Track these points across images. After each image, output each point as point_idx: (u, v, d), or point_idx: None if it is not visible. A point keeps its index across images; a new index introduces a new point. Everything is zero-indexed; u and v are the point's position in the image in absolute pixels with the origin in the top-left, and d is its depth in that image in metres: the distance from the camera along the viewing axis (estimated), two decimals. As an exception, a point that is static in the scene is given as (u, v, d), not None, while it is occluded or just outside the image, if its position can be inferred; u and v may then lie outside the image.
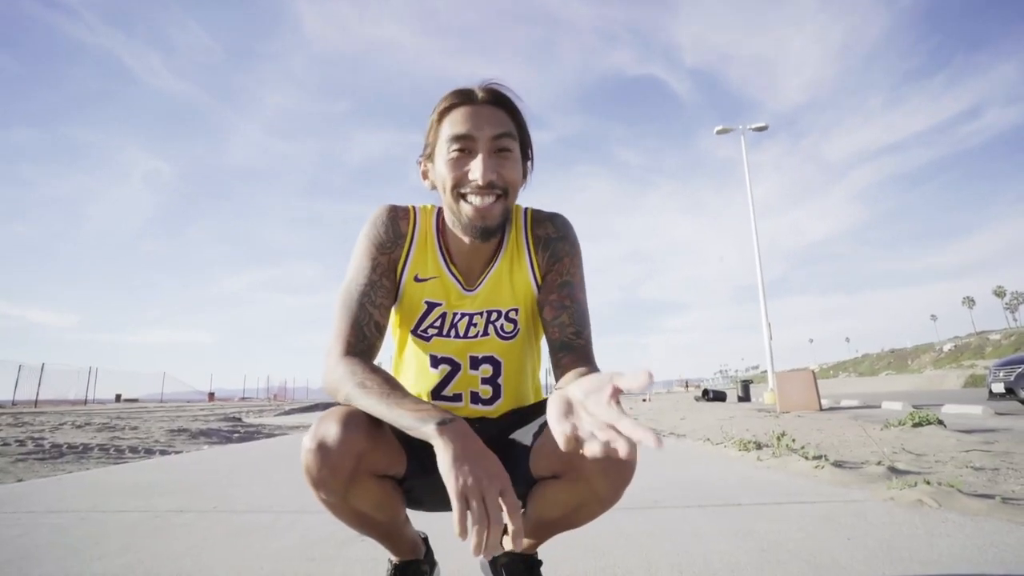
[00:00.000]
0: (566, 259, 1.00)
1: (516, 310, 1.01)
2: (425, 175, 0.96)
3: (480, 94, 0.90)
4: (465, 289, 0.99)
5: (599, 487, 0.83)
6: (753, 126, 18.12)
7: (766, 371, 16.91)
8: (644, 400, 31.90)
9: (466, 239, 0.94)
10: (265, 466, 3.68)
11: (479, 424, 1.01)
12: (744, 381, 22.32)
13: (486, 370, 1.01)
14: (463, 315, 0.99)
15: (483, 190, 0.87)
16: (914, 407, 9.65)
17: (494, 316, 1.00)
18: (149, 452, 4.92)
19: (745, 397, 21.18)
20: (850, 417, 8.29)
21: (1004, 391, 8.15)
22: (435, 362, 1.00)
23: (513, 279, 1.00)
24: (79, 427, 6.75)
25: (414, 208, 1.01)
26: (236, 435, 6.76)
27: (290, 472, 3.21)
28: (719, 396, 21.93)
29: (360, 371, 0.85)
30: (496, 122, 0.89)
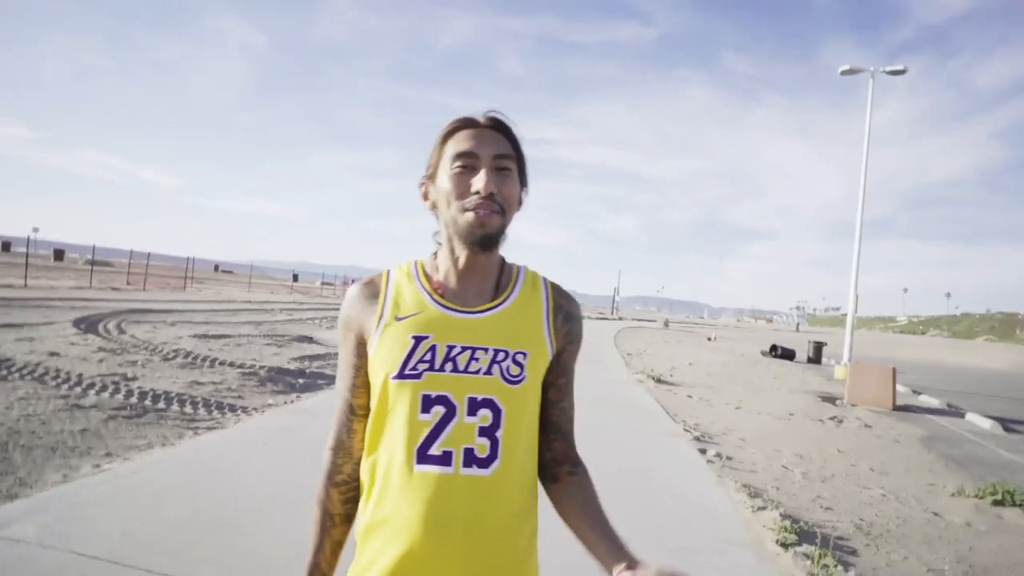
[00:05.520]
0: (577, 343, 1.05)
1: (525, 354, 0.95)
2: (426, 196, 1.01)
3: (483, 120, 0.97)
4: (459, 312, 0.96)
5: None
6: (887, 68, 15.57)
7: (846, 314, 16.16)
8: (709, 339, 31.32)
9: (461, 257, 0.97)
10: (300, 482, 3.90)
11: (469, 499, 0.90)
12: (817, 343, 21.45)
13: (485, 417, 0.91)
14: (464, 348, 0.93)
15: (485, 201, 0.91)
16: (1006, 428, 8.82)
17: (500, 356, 0.93)
18: (220, 408, 5.40)
19: (815, 359, 20.46)
20: (924, 434, 7.71)
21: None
22: (428, 404, 0.91)
23: (527, 323, 0.99)
24: (167, 359, 7.45)
25: (388, 271, 1.04)
26: (301, 379, 7.26)
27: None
28: (787, 354, 21.28)
29: (326, 482, 1.02)
30: (497, 143, 0.95)
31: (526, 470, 0.97)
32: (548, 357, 0.99)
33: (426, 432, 0.90)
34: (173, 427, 4.69)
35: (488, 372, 0.93)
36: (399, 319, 0.96)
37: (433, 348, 0.93)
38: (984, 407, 11.03)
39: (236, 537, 2.72)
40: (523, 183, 1.01)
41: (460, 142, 0.95)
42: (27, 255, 20.37)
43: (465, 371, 0.93)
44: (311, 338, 11.59)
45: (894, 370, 10.18)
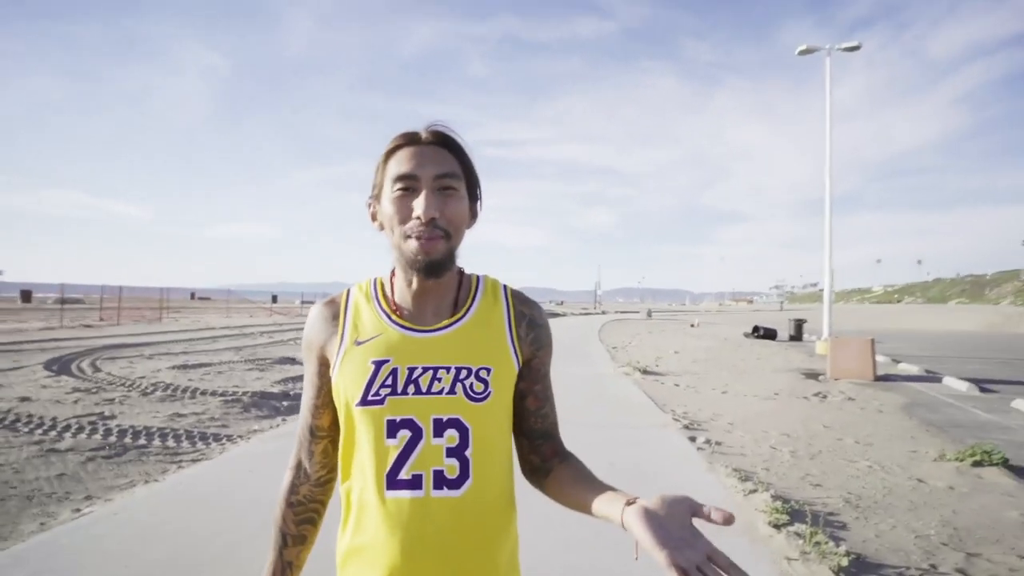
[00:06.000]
0: (546, 348, 1.02)
1: (488, 370, 0.93)
2: (374, 216, 0.98)
3: (424, 135, 0.93)
4: (418, 332, 0.94)
5: None
6: (843, 45, 15.98)
7: (823, 289, 16.65)
8: (692, 326, 31.65)
9: (413, 281, 0.94)
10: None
11: (443, 521, 0.88)
12: (797, 320, 21.98)
13: (451, 437, 0.90)
14: (426, 369, 0.91)
15: (426, 227, 0.88)
16: (981, 389, 9.06)
17: (463, 374, 0.92)
18: (204, 439, 5.29)
19: (797, 336, 20.94)
20: (905, 402, 7.88)
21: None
22: (393, 429, 0.89)
23: (489, 337, 0.96)
24: (146, 394, 7.27)
25: (348, 289, 1.03)
26: (286, 402, 7.15)
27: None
28: (769, 334, 21.74)
29: (281, 501, 1.02)
30: (440, 161, 0.91)
31: (501, 486, 0.95)
32: (514, 369, 0.97)
33: (394, 457, 0.89)
34: (156, 463, 4.58)
35: (451, 391, 0.91)
36: (359, 343, 0.94)
37: (394, 371, 0.91)
38: (960, 369, 11.34)
39: (226, 570, 2.66)
40: (475, 197, 0.97)
41: (401, 163, 0.91)
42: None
43: (428, 392, 0.91)
44: (293, 359, 11.42)
45: (872, 341, 10.40)
